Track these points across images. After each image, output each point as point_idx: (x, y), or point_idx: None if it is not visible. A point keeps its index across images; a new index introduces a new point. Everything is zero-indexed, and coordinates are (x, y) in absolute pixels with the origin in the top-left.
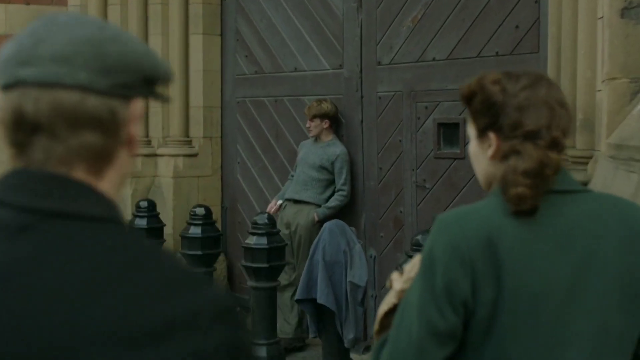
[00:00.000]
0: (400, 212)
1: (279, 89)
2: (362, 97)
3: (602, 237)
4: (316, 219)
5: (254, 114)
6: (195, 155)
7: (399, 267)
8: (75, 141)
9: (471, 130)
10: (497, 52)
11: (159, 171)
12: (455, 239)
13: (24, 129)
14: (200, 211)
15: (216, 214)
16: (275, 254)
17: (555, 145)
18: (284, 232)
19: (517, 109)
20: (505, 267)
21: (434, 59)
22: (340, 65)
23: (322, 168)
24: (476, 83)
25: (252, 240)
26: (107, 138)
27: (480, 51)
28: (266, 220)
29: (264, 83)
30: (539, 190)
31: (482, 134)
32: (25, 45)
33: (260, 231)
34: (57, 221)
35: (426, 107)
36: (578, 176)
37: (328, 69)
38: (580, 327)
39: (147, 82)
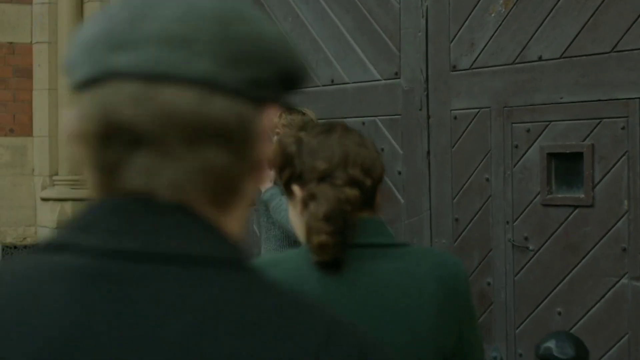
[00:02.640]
0: (488, 284)
1: (309, 108)
2: (428, 117)
3: (410, 296)
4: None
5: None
6: None
7: None
8: (195, 161)
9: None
10: None
11: None
12: None
13: (119, 143)
14: None
15: None
16: None
17: (354, 183)
18: None
19: (310, 153)
20: None
21: (539, 59)
22: (397, 73)
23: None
24: (277, 141)
25: None
26: (235, 157)
27: (616, 44)
28: None
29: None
30: (342, 238)
31: (287, 190)
32: (119, 21)
33: None
34: (150, 267)
35: (528, 130)
36: None
37: (379, 80)
38: None
39: (281, 79)
